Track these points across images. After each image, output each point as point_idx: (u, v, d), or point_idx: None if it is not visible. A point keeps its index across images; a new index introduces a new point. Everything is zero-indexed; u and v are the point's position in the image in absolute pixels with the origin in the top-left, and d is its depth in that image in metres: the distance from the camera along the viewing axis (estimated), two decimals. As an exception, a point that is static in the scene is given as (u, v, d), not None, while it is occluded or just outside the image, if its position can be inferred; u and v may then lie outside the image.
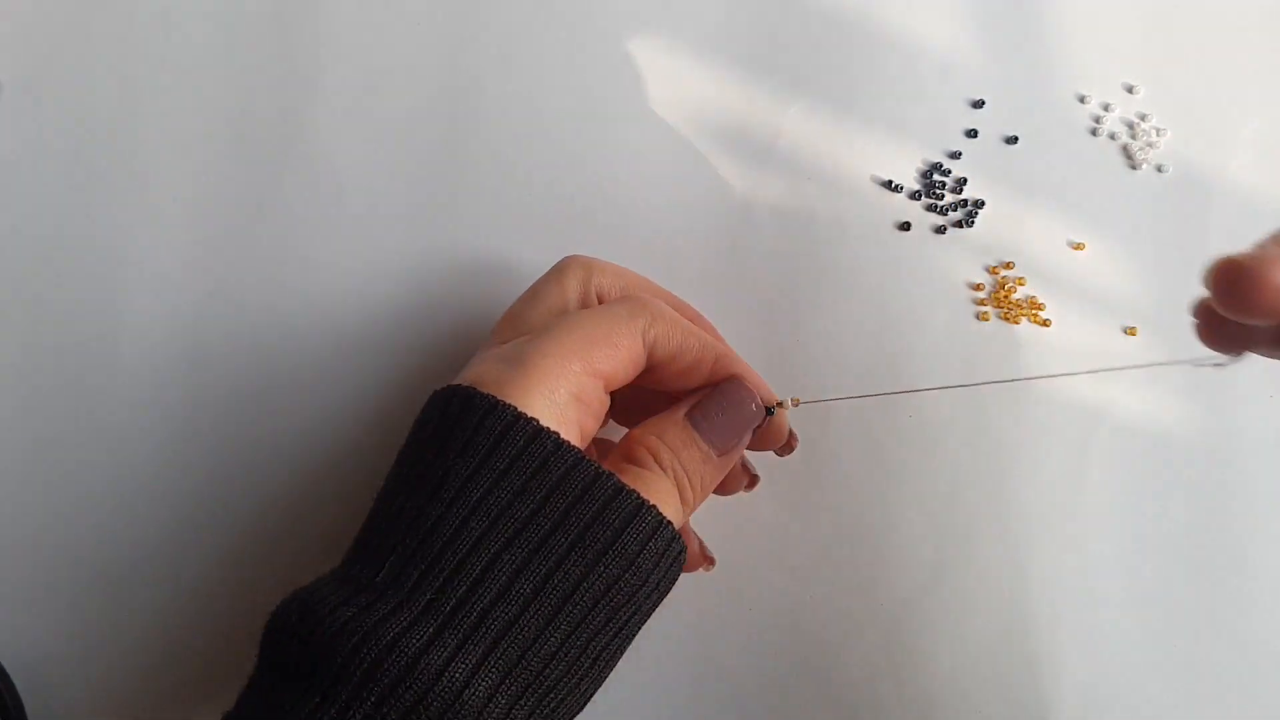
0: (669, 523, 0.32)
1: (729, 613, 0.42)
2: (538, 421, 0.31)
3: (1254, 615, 0.43)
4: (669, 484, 0.34)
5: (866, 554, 0.42)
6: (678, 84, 0.47)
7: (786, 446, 0.39)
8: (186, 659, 0.41)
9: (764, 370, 0.39)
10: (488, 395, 0.32)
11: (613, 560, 0.31)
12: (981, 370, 0.44)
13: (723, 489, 0.39)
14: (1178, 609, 0.42)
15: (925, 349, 0.44)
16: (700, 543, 0.39)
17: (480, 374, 0.33)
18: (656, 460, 0.34)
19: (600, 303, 0.37)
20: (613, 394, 0.36)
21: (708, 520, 0.41)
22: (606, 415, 0.36)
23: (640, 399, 0.39)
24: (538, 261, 0.45)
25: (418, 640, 0.28)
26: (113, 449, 0.42)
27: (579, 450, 0.32)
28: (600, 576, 0.31)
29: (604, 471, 0.32)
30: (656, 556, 0.32)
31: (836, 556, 0.42)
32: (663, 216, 0.45)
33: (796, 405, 0.38)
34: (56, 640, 0.41)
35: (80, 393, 0.43)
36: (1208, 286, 0.26)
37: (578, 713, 0.33)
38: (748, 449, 0.38)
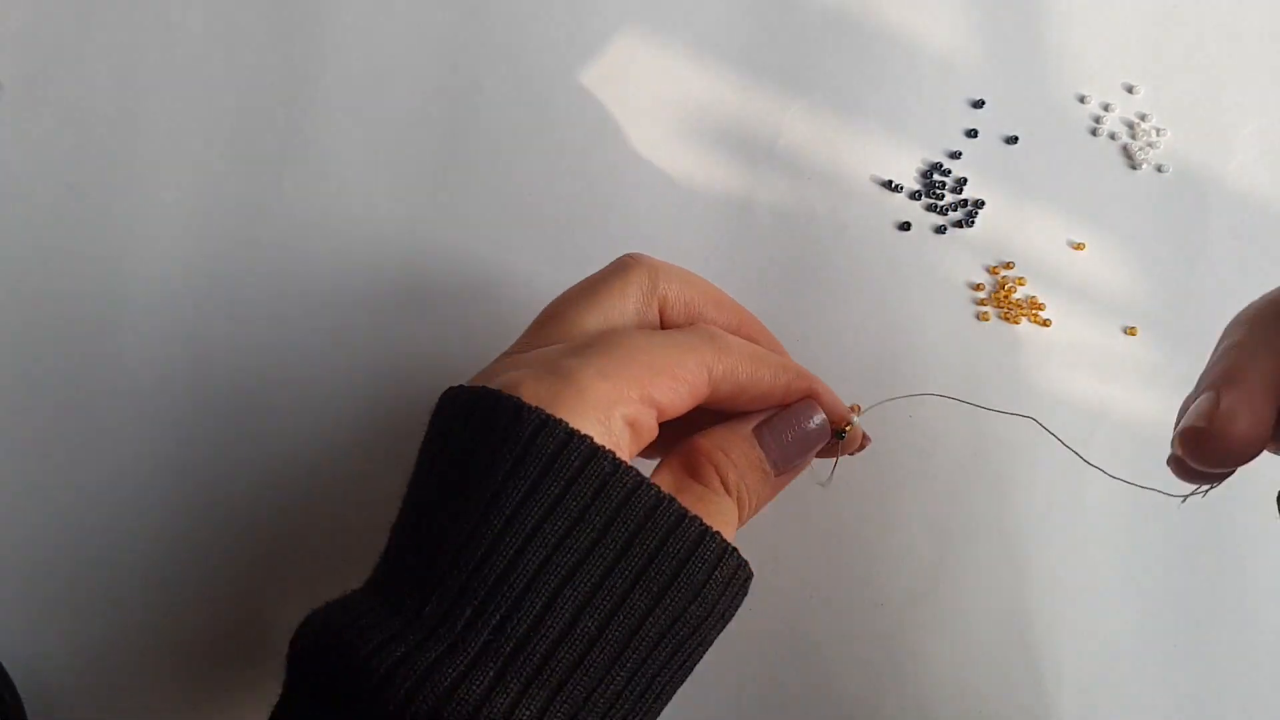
0: (734, 549, 0.30)
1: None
2: (593, 440, 0.29)
3: (1254, 615, 0.43)
4: (729, 503, 0.32)
5: (866, 554, 0.42)
6: (678, 84, 0.47)
7: (860, 448, 0.38)
8: (187, 659, 0.41)
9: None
10: (537, 409, 0.29)
11: (678, 593, 0.29)
12: (982, 370, 0.44)
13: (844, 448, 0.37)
14: (1178, 609, 0.42)
15: (925, 349, 0.44)
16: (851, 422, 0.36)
17: (519, 381, 0.30)
18: (723, 480, 0.32)
19: (663, 312, 0.34)
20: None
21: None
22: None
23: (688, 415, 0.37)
24: (537, 261, 0.45)
25: (478, 686, 0.27)
26: (113, 449, 0.42)
27: (638, 472, 0.29)
28: (666, 611, 0.29)
29: (665, 495, 0.29)
30: (722, 586, 0.30)
31: (836, 557, 0.42)
32: (663, 216, 0.45)
33: (860, 414, 0.37)
34: (56, 640, 0.41)
35: (80, 393, 0.43)
36: (1179, 451, 0.29)
37: None
38: (824, 455, 0.37)
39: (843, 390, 0.44)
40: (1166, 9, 0.48)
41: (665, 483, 0.32)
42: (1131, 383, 0.44)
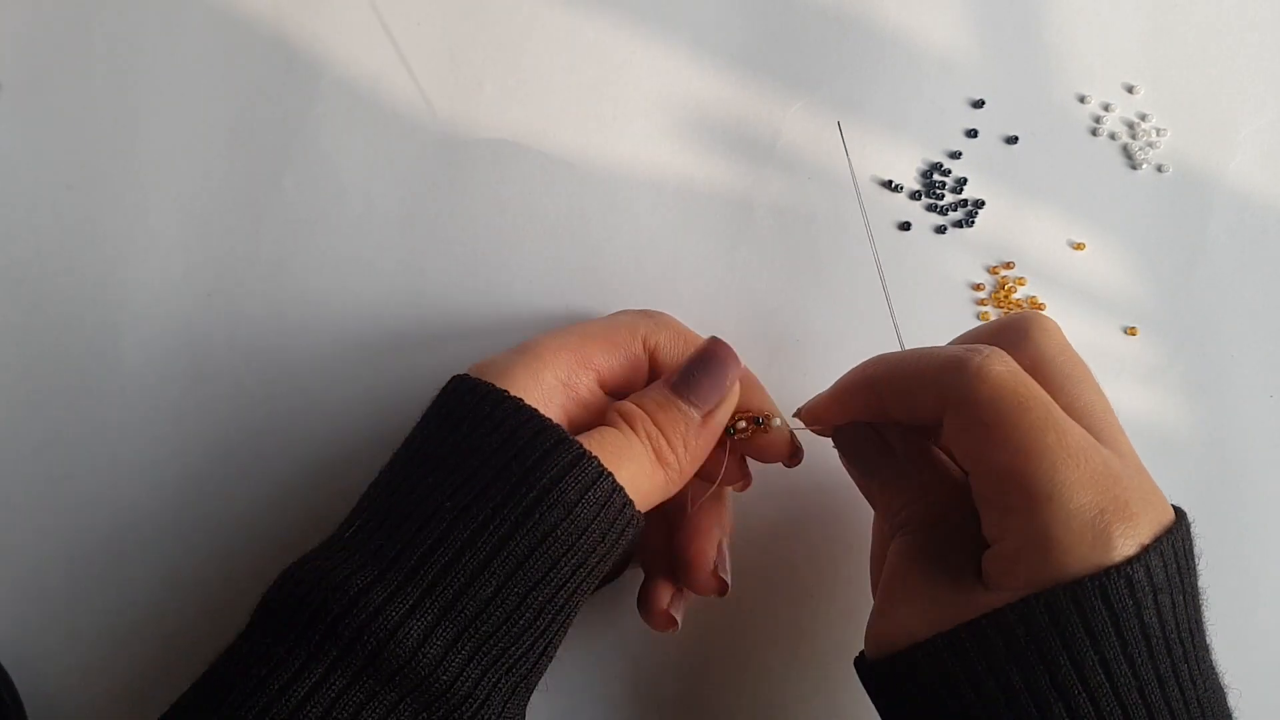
0: (609, 474, 0.32)
1: (728, 614, 0.42)
2: (507, 391, 0.33)
3: (1254, 615, 0.43)
4: (637, 444, 0.34)
5: (866, 555, 0.42)
6: (678, 84, 0.47)
7: (794, 458, 0.38)
8: (186, 659, 0.41)
9: (764, 371, 0.39)
10: (469, 376, 0.34)
11: (550, 508, 0.31)
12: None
13: (710, 476, 0.38)
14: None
15: (925, 349, 0.44)
16: (720, 563, 0.37)
17: (481, 362, 0.35)
18: (627, 421, 0.34)
19: (654, 355, 0.37)
20: None
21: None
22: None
23: None
24: (536, 261, 0.45)
25: (359, 583, 0.30)
26: (113, 449, 0.42)
27: (533, 408, 0.33)
28: (536, 524, 0.31)
29: (551, 425, 0.32)
30: (597, 506, 0.32)
31: (836, 558, 0.42)
32: (663, 216, 0.45)
33: (767, 428, 0.37)
34: (56, 640, 0.41)
35: (80, 393, 0.43)
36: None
37: (531, 668, 0.33)
38: (753, 457, 0.38)
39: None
40: (1166, 9, 0.48)
41: (584, 437, 0.34)
42: (1131, 383, 0.44)
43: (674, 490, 0.35)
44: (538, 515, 0.31)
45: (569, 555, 0.32)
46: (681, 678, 0.41)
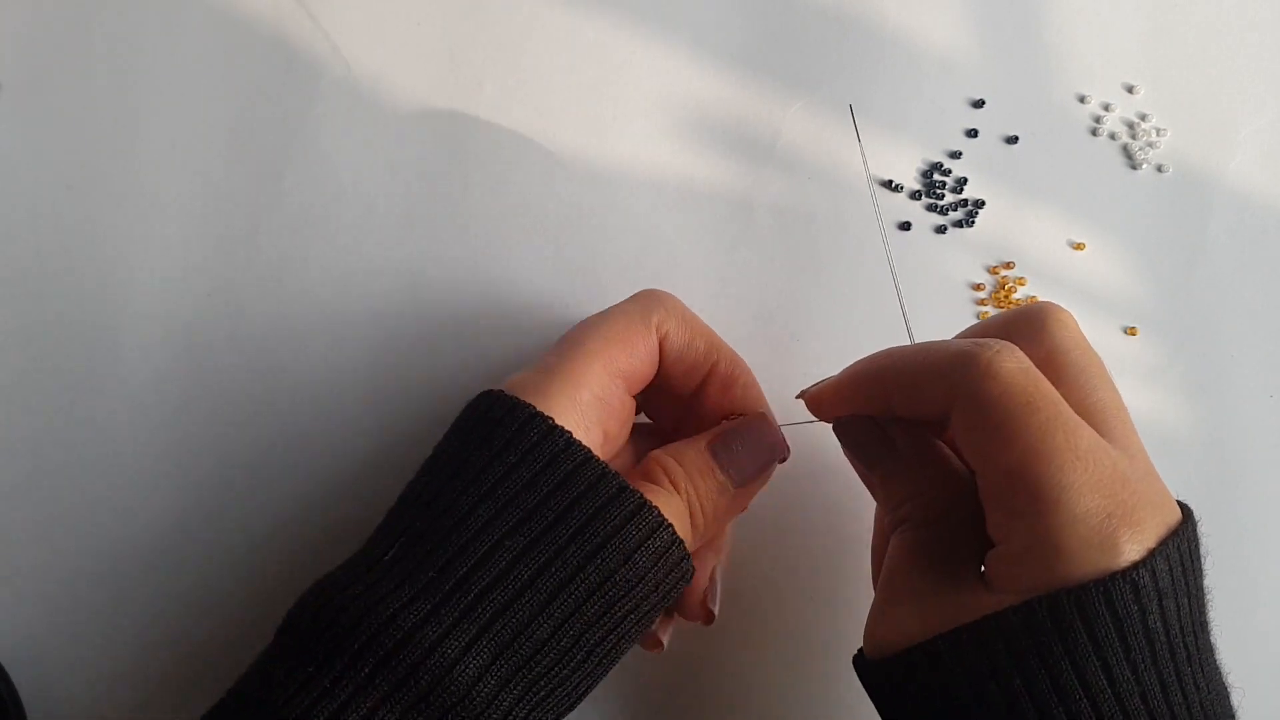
0: (669, 525, 0.32)
1: (728, 615, 0.42)
2: (553, 420, 0.32)
3: (1254, 615, 0.43)
4: (679, 502, 0.34)
5: (866, 555, 0.42)
6: (678, 83, 0.47)
7: (782, 458, 0.38)
8: (187, 659, 0.41)
9: (763, 370, 0.39)
10: (511, 396, 0.33)
11: (610, 554, 0.31)
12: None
13: (682, 612, 0.37)
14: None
15: (925, 349, 0.44)
16: (710, 592, 0.37)
17: (514, 380, 0.35)
18: (670, 479, 0.34)
19: (662, 344, 0.37)
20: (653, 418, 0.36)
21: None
22: (647, 427, 0.37)
23: (672, 413, 0.39)
24: (537, 260, 0.45)
25: (414, 616, 0.29)
26: (113, 449, 0.42)
27: (589, 449, 0.33)
28: (597, 569, 0.31)
29: (610, 471, 0.32)
30: (655, 555, 0.32)
31: (835, 558, 0.42)
32: (663, 216, 0.45)
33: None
34: (56, 640, 0.41)
35: (80, 393, 0.43)
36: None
37: (569, 708, 0.33)
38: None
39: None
40: (1166, 9, 0.48)
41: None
42: (1131, 383, 0.44)
43: (692, 550, 0.35)
44: (600, 559, 0.31)
45: (624, 600, 0.32)
46: (679, 672, 0.41)
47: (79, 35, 0.46)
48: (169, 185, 0.45)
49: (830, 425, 0.37)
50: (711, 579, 0.37)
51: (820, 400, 0.37)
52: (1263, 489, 0.44)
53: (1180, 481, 0.43)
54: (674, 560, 0.33)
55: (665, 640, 0.37)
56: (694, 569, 0.34)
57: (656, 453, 0.35)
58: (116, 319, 0.44)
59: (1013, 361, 0.30)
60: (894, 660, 0.32)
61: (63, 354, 0.43)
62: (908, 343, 0.37)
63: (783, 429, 0.38)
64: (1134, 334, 0.45)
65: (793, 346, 0.43)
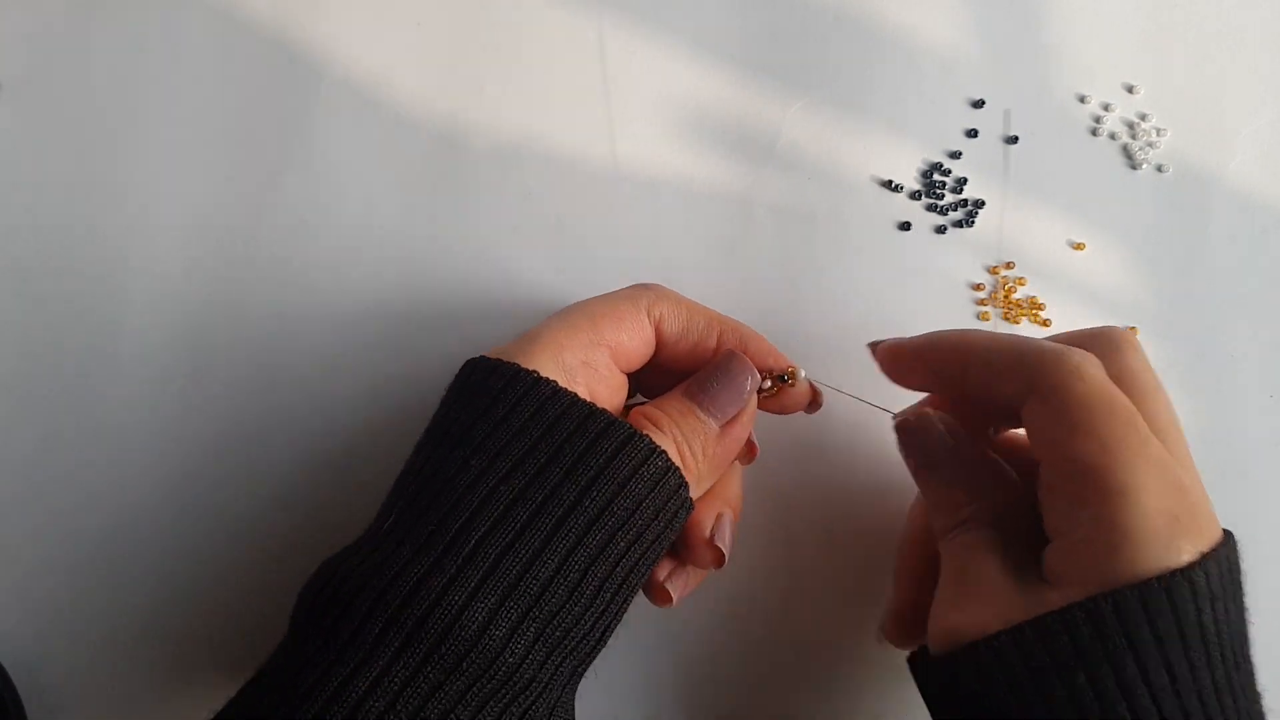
0: (662, 451, 0.33)
1: (728, 615, 0.42)
2: (538, 373, 0.33)
3: (1253, 615, 0.43)
4: (668, 441, 0.34)
5: (866, 555, 0.42)
6: (678, 83, 0.47)
7: (814, 405, 0.40)
8: (187, 659, 0.41)
9: (764, 370, 0.39)
10: (495, 359, 0.34)
11: (605, 484, 0.32)
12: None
13: (692, 558, 0.38)
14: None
15: (925, 349, 0.44)
16: (717, 531, 0.37)
17: (498, 348, 0.35)
18: (654, 424, 0.35)
19: (659, 327, 0.37)
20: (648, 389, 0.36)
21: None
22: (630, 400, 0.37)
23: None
24: (537, 260, 0.45)
25: (417, 571, 0.30)
26: (113, 449, 0.42)
27: (573, 393, 0.33)
28: (593, 500, 0.31)
29: (598, 408, 0.33)
30: (650, 482, 0.33)
31: (835, 557, 0.42)
32: (663, 216, 0.45)
33: (793, 383, 0.38)
34: (56, 640, 0.41)
35: (80, 393, 0.43)
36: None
37: (589, 653, 0.33)
38: (777, 412, 0.39)
39: (843, 390, 0.44)
40: (1167, 8, 0.48)
41: None
42: (1131, 383, 0.44)
43: (694, 497, 0.35)
44: (595, 491, 0.32)
45: (625, 529, 0.32)
46: (689, 670, 0.41)
47: (79, 35, 0.46)
48: (169, 185, 0.45)
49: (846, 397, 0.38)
50: (719, 521, 0.37)
51: (897, 355, 0.37)
52: (1263, 489, 0.44)
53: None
54: (671, 487, 0.33)
55: (675, 594, 0.37)
56: (692, 500, 0.35)
57: (639, 406, 0.36)
58: (117, 318, 0.44)
59: (1098, 370, 0.32)
60: (958, 655, 0.32)
61: (63, 354, 0.43)
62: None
63: (824, 389, 0.39)
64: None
65: (792, 347, 0.43)
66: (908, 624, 0.37)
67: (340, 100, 0.46)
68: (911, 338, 0.37)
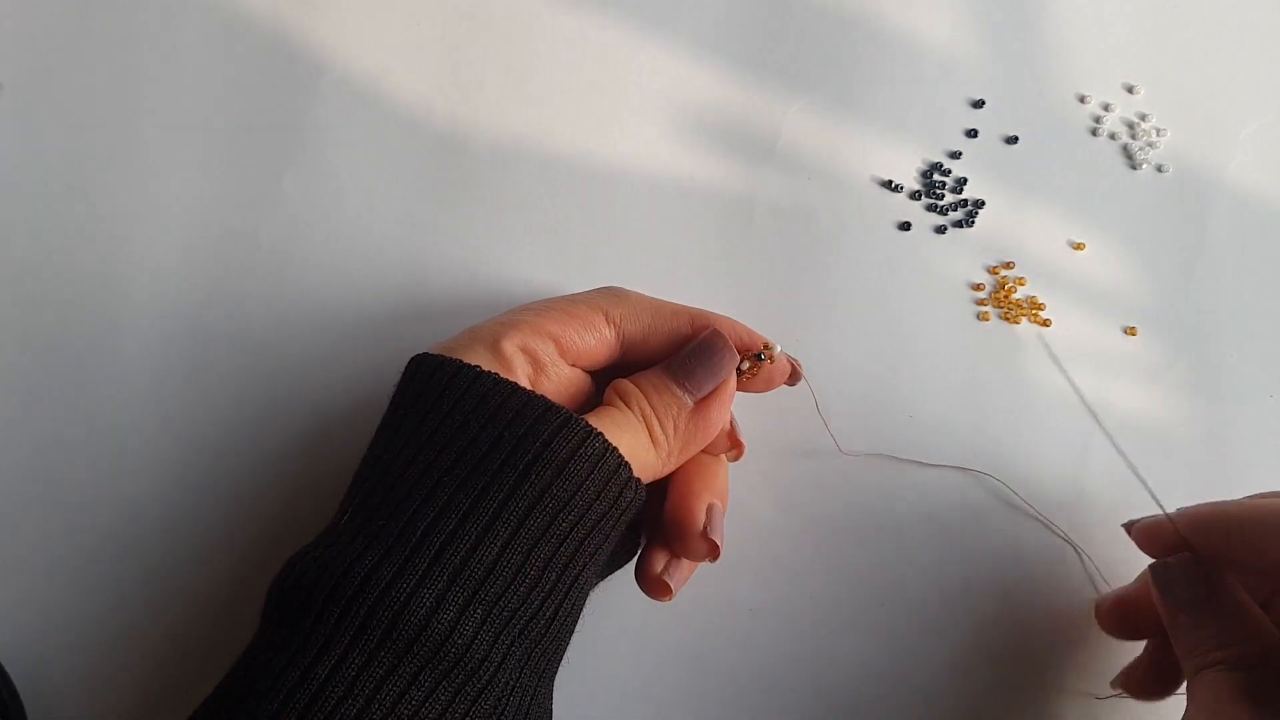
0: (599, 433, 0.33)
1: (728, 615, 0.42)
2: (479, 367, 0.34)
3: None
4: (633, 420, 0.35)
5: (865, 554, 0.42)
6: (678, 83, 0.47)
7: (794, 376, 0.40)
8: (187, 659, 0.41)
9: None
10: (436, 355, 0.35)
11: (542, 468, 0.32)
12: (982, 370, 0.44)
13: (710, 449, 0.39)
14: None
15: (925, 349, 0.44)
16: (709, 523, 0.37)
17: (440, 343, 0.36)
18: (623, 399, 0.36)
19: (622, 332, 0.38)
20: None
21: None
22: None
23: None
24: (536, 260, 0.45)
25: (368, 562, 0.31)
26: (113, 449, 0.42)
27: (512, 382, 0.34)
28: (531, 485, 0.32)
29: (534, 394, 0.34)
30: (589, 464, 0.33)
31: (835, 557, 0.42)
32: (663, 216, 0.45)
33: (770, 359, 0.38)
34: (56, 640, 0.41)
35: (80, 393, 0.43)
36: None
37: (546, 639, 0.33)
38: (761, 390, 0.39)
39: (843, 390, 0.44)
40: (1166, 9, 0.48)
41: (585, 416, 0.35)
42: (1131, 383, 0.44)
43: (665, 471, 0.36)
44: (534, 475, 0.32)
45: (567, 511, 0.33)
46: (683, 670, 0.41)
47: (79, 35, 0.46)
48: (169, 185, 0.45)
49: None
50: (710, 514, 0.37)
51: (1155, 538, 0.37)
52: (1262, 489, 0.44)
53: (1180, 481, 0.43)
54: (610, 467, 0.34)
55: (674, 586, 0.37)
56: (642, 486, 0.35)
57: (615, 381, 0.37)
58: (117, 318, 0.44)
59: None
60: None
61: (63, 354, 0.43)
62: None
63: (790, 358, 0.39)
64: (1134, 334, 0.45)
65: (792, 347, 0.43)
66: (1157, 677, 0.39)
67: (340, 100, 0.46)
68: (1172, 517, 0.37)
